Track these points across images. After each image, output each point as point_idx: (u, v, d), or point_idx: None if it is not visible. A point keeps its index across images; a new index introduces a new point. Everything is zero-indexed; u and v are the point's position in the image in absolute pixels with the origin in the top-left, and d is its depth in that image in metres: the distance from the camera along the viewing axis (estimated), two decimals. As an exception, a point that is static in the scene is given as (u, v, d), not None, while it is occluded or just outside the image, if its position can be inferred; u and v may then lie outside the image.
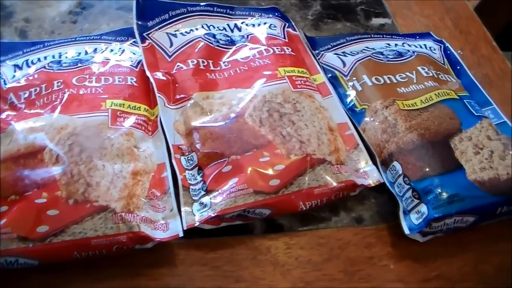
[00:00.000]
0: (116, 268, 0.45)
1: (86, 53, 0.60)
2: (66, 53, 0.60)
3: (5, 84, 0.55)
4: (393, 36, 0.68)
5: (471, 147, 0.51)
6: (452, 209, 0.47)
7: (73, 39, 0.62)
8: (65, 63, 0.58)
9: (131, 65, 0.59)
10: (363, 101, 0.57)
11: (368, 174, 0.52)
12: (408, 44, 0.66)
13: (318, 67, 0.62)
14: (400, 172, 0.50)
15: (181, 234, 0.46)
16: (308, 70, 0.60)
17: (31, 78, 0.56)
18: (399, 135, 0.52)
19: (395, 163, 0.51)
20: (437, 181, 0.48)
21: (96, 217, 0.45)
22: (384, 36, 0.68)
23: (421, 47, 0.66)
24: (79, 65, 0.58)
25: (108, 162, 0.48)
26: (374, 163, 0.53)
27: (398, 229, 0.49)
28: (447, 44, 0.68)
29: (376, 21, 0.74)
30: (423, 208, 0.48)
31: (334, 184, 0.49)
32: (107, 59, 0.59)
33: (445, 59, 0.66)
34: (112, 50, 0.61)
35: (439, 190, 0.48)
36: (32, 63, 0.58)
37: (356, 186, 0.50)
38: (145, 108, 0.55)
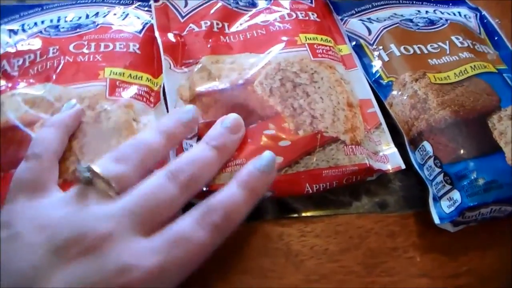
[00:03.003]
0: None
1: (87, 17, 0.56)
2: (65, 17, 0.56)
3: (-3, 51, 0.52)
4: (424, 2, 0.62)
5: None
6: (489, 198, 0.42)
7: (74, 2, 0.58)
8: (63, 28, 0.54)
9: (134, 31, 0.54)
10: (390, 73, 0.52)
11: (388, 158, 0.47)
12: (441, 11, 0.60)
13: (346, 37, 0.57)
14: (431, 153, 0.45)
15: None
16: (333, 39, 0.55)
17: (25, 44, 0.52)
18: (430, 111, 0.47)
19: (425, 143, 0.46)
20: (472, 165, 0.43)
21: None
22: (414, 2, 0.62)
23: (454, 14, 0.60)
24: (78, 30, 0.53)
25: (103, 137, 0.44)
26: (401, 142, 0.48)
27: (426, 217, 0.44)
28: (484, 12, 0.62)
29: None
30: (456, 195, 0.43)
31: (346, 166, 0.44)
32: (109, 24, 0.55)
33: (482, 29, 0.60)
34: (115, 14, 0.56)
35: (475, 176, 0.42)
36: (29, 27, 0.54)
37: (373, 170, 0.45)
38: (147, 78, 0.50)
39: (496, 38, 0.59)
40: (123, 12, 0.56)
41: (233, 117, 0.42)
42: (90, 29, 0.54)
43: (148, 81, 0.50)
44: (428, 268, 0.43)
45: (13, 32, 0.54)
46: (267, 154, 0.39)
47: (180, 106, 0.48)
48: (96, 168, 0.34)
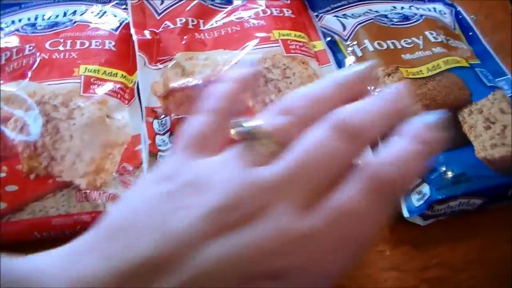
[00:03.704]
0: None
1: (65, 14, 0.56)
2: (43, 15, 0.56)
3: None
4: (399, -1, 0.63)
5: (482, 121, 0.46)
6: (458, 190, 0.42)
7: (52, 1, 0.58)
8: (40, 26, 0.54)
9: (110, 29, 0.54)
10: None
11: None
12: (416, 7, 0.60)
13: (320, 33, 0.57)
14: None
15: None
16: (307, 35, 0.56)
17: (2, 42, 0.52)
18: None
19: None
20: (441, 158, 0.44)
21: (59, 194, 0.41)
22: (390, -3, 0.62)
23: (429, 10, 0.60)
24: (55, 28, 0.54)
25: (76, 133, 0.44)
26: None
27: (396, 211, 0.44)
28: (459, 8, 0.62)
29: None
30: (425, 188, 0.43)
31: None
32: (86, 22, 0.55)
33: (456, 24, 0.60)
34: (92, 12, 0.56)
35: (444, 169, 0.43)
36: (6, 25, 0.54)
37: None
38: (122, 74, 0.50)
39: (470, 34, 0.59)
40: (100, 10, 0.56)
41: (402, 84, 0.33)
42: (67, 27, 0.54)
43: (123, 78, 0.50)
44: (398, 261, 0.43)
45: None
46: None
47: (154, 102, 0.48)
48: (257, 120, 0.30)
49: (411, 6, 0.60)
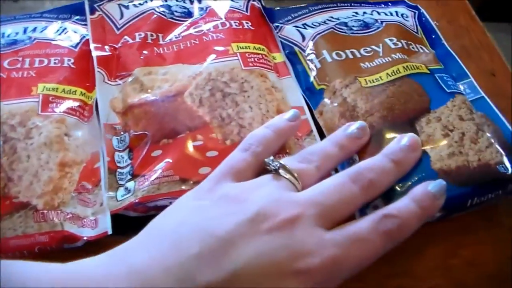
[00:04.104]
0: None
1: (25, 32, 0.55)
2: (3, 33, 0.55)
3: None
4: (362, 4, 0.62)
5: (440, 129, 0.46)
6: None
7: (12, 18, 0.57)
8: None
9: (70, 45, 0.54)
10: (322, 80, 0.52)
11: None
12: (378, 12, 0.60)
13: (280, 44, 0.57)
14: (357, 161, 0.45)
15: (110, 231, 0.42)
16: (267, 47, 0.56)
17: None
18: (358, 119, 0.47)
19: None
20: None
21: (16, 215, 0.41)
22: (352, 4, 0.62)
23: (391, 14, 0.60)
24: (13, 46, 0.53)
25: (33, 152, 0.44)
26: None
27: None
28: (422, 10, 0.63)
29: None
30: (379, 202, 0.42)
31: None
32: (45, 39, 0.54)
33: (419, 27, 0.60)
34: (52, 29, 0.56)
35: (398, 183, 0.42)
36: None
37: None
38: (81, 92, 0.50)
39: (433, 37, 0.59)
40: (61, 27, 0.56)
41: (412, 135, 0.43)
42: (26, 45, 0.53)
43: (82, 95, 0.50)
44: (361, 271, 0.43)
45: None
46: (441, 180, 0.41)
47: (113, 118, 0.48)
48: (283, 162, 0.40)
49: (373, 11, 0.60)
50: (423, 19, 0.62)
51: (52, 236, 0.40)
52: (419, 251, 0.45)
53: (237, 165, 0.40)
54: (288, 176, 0.39)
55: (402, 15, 0.61)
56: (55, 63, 0.52)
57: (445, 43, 0.59)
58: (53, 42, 0.54)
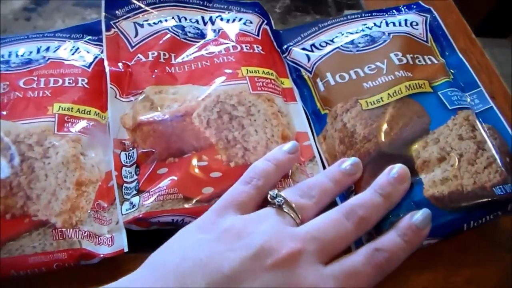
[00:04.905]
0: (59, 285, 0.43)
1: (38, 51, 0.57)
2: (17, 51, 0.56)
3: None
4: (374, 13, 0.62)
5: (436, 153, 0.45)
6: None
7: (25, 37, 0.59)
8: (14, 63, 0.55)
9: (83, 65, 0.55)
10: (326, 104, 0.53)
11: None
12: (387, 23, 0.60)
13: (288, 69, 0.59)
14: (352, 188, 0.46)
15: (126, 249, 0.43)
16: (276, 72, 0.57)
17: None
18: (356, 146, 0.48)
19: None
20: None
21: (35, 233, 0.42)
22: (363, 15, 0.62)
23: (400, 24, 0.59)
24: (28, 66, 0.54)
25: (51, 172, 0.46)
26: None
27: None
28: (435, 14, 0.62)
29: (348, 13, 0.69)
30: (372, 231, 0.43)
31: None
32: (59, 59, 0.56)
33: (429, 35, 0.59)
34: (65, 49, 0.57)
35: (390, 212, 0.43)
36: None
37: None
38: (95, 112, 0.52)
39: (444, 43, 0.59)
40: (73, 47, 0.58)
41: (400, 167, 0.44)
42: (41, 64, 0.55)
43: (96, 115, 0.51)
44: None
45: None
46: (425, 210, 0.42)
47: (122, 133, 0.50)
48: (285, 195, 0.41)
49: (383, 20, 0.60)
50: (435, 23, 0.61)
51: (70, 254, 0.42)
52: (420, 269, 0.46)
53: (240, 198, 0.41)
54: (290, 212, 0.40)
55: (411, 23, 0.60)
56: (69, 83, 0.53)
57: (457, 50, 0.58)
58: (67, 62, 0.55)
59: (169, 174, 0.46)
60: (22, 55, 0.56)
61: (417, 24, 0.60)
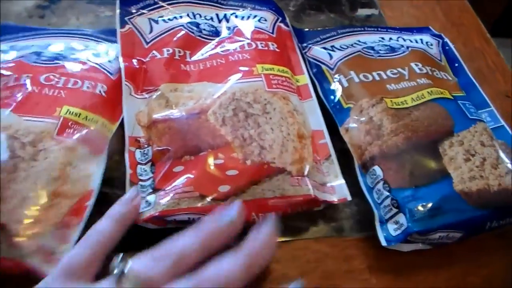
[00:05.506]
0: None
1: (73, 49, 0.56)
2: (52, 45, 0.56)
3: (-16, 67, 0.52)
4: (389, 30, 0.64)
5: (462, 153, 0.47)
6: (434, 223, 0.43)
7: (66, 31, 0.58)
8: (44, 56, 0.53)
9: (108, 72, 0.53)
10: (349, 99, 0.53)
11: (335, 189, 0.48)
12: (403, 39, 0.61)
13: (304, 67, 0.58)
14: (381, 177, 0.46)
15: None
16: (291, 70, 0.56)
17: (8, 66, 0.52)
18: (383, 138, 0.48)
19: (376, 167, 0.47)
20: (420, 190, 0.44)
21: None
22: (379, 29, 0.63)
23: (417, 42, 0.61)
24: (55, 61, 0.53)
25: (34, 175, 0.43)
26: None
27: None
28: (446, 39, 0.63)
29: (362, 12, 0.70)
30: (402, 218, 0.44)
31: (292, 196, 0.45)
32: (87, 60, 0.54)
33: (443, 56, 0.61)
34: (98, 51, 0.56)
35: (421, 201, 0.44)
36: (16, 49, 0.54)
37: (318, 201, 0.46)
38: (103, 122, 0.49)
39: (456, 65, 0.60)
40: (107, 50, 0.56)
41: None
42: (68, 62, 0.53)
43: (103, 126, 0.49)
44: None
45: (3, 51, 0.54)
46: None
47: (137, 131, 0.49)
48: (130, 264, 0.36)
49: (399, 37, 0.61)
50: (447, 47, 0.63)
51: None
52: (437, 269, 0.46)
53: (78, 264, 0.37)
54: (130, 281, 0.35)
55: (426, 43, 0.62)
56: (87, 87, 0.51)
57: (468, 72, 0.59)
58: (93, 65, 0.54)
59: (185, 172, 0.45)
60: (54, 50, 0.55)
61: (431, 45, 0.62)
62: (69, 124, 0.47)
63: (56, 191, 0.43)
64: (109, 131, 0.50)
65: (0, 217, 0.41)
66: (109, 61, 0.55)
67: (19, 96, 0.49)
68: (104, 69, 0.54)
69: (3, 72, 0.51)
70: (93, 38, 0.58)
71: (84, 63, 0.54)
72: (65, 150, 0.46)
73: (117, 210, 0.41)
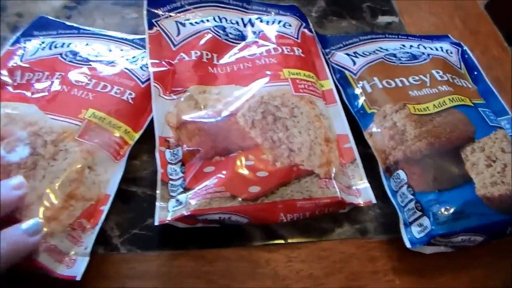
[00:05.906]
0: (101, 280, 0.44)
1: (110, 50, 0.57)
2: (89, 45, 0.57)
3: (21, 59, 0.54)
4: (409, 37, 0.65)
5: (483, 159, 0.48)
6: (457, 227, 0.44)
7: (104, 34, 0.60)
8: (80, 56, 0.55)
9: (139, 79, 0.54)
10: (373, 104, 0.54)
11: (361, 192, 0.49)
12: (424, 46, 0.62)
13: (328, 72, 0.58)
14: (405, 181, 0.47)
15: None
16: (316, 75, 0.57)
17: (44, 61, 0.54)
18: (407, 143, 0.49)
19: (400, 172, 0.48)
20: (443, 194, 0.46)
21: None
22: (399, 36, 0.64)
23: (437, 49, 0.62)
24: (89, 63, 0.54)
25: (50, 175, 0.44)
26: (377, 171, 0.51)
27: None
28: (465, 48, 0.64)
29: (382, 19, 0.71)
30: (426, 221, 0.45)
31: (319, 198, 0.46)
32: (120, 65, 0.55)
33: (462, 63, 0.62)
34: (133, 57, 0.57)
35: (444, 205, 0.45)
36: (55, 46, 0.56)
37: (345, 203, 0.47)
38: (126, 129, 0.50)
39: (475, 73, 0.61)
40: (142, 57, 0.57)
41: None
42: (102, 64, 0.54)
43: (126, 133, 0.50)
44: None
45: (42, 46, 0.56)
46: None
47: (167, 131, 0.50)
48: None
49: (420, 45, 0.62)
50: (466, 56, 0.64)
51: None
52: (460, 272, 0.47)
53: None
54: None
55: (446, 50, 0.63)
56: (116, 93, 0.51)
57: (487, 80, 0.60)
58: (125, 70, 0.54)
59: (216, 173, 0.46)
60: (91, 51, 0.56)
61: (451, 53, 0.63)
62: (92, 127, 0.48)
63: (72, 193, 0.44)
64: (132, 139, 0.50)
65: (16, 212, 0.41)
66: (141, 68, 0.55)
67: (49, 94, 0.49)
68: (135, 75, 0.54)
69: (37, 68, 0.52)
70: (131, 44, 0.59)
71: (116, 68, 0.54)
72: (85, 153, 0.46)
73: (12, 236, 0.39)
